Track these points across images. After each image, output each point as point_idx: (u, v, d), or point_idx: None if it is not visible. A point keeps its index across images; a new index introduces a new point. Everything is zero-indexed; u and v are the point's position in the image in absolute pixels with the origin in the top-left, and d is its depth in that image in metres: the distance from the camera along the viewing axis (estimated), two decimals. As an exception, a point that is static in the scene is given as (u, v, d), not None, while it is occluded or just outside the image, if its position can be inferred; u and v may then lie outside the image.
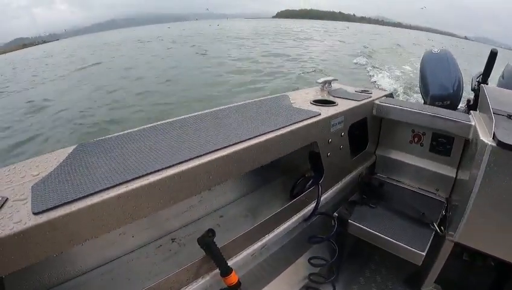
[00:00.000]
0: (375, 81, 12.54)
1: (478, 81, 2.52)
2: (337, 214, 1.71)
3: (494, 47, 2.45)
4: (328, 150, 1.59)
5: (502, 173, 1.24)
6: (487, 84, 2.44)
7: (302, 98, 1.81)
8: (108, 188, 0.83)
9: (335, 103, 1.74)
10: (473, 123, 1.60)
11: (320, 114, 1.52)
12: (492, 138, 1.26)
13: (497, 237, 1.36)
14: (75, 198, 0.78)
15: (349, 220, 1.67)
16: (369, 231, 1.62)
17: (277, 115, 1.47)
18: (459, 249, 1.58)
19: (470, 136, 1.61)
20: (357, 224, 1.65)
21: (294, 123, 1.37)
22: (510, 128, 1.34)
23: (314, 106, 1.68)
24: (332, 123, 1.57)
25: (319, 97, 1.85)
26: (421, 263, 1.49)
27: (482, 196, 1.31)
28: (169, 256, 1.31)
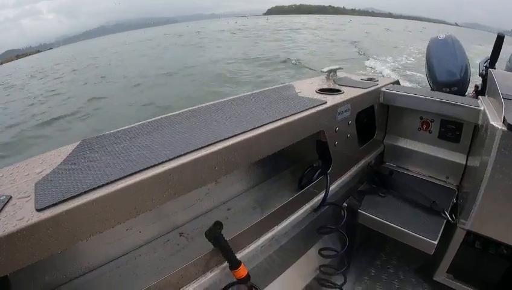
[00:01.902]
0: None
1: (485, 66, 2.48)
2: (346, 204, 1.68)
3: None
4: (335, 139, 1.56)
5: None
6: (495, 68, 2.40)
7: (308, 87, 1.78)
8: (111, 182, 0.81)
9: (341, 91, 1.70)
10: (482, 108, 1.56)
11: (326, 102, 1.49)
12: (503, 122, 1.24)
13: (509, 223, 1.34)
14: (78, 193, 0.76)
15: (359, 210, 1.65)
16: (380, 221, 1.59)
17: (283, 104, 1.44)
18: (471, 238, 1.55)
19: (480, 122, 1.58)
20: (367, 214, 1.63)
21: (301, 112, 1.34)
22: None
23: (320, 94, 1.65)
24: (339, 111, 1.54)
25: (325, 86, 1.82)
26: (432, 252, 1.47)
27: (493, 182, 1.28)
28: (177, 251, 1.29)
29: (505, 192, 1.28)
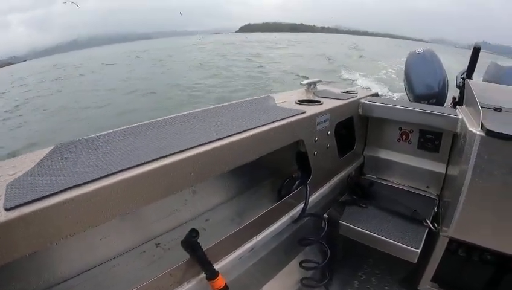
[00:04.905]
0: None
1: (463, 78, 2.53)
2: (327, 215, 1.67)
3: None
4: (314, 149, 1.56)
5: (493, 163, 1.24)
6: (472, 79, 2.46)
7: (287, 99, 1.79)
8: (83, 184, 0.79)
9: (320, 102, 1.72)
10: (460, 117, 1.60)
11: (305, 112, 1.49)
12: (481, 128, 1.26)
13: (491, 228, 1.35)
14: (49, 193, 0.74)
15: (339, 221, 1.64)
16: (361, 231, 1.59)
17: (261, 113, 1.44)
18: (454, 245, 1.55)
19: (458, 130, 1.60)
20: (348, 224, 1.62)
21: (279, 120, 1.34)
22: (498, 119, 1.35)
23: (299, 105, 1.66)
24: (318, 121, 1.54)
25: (304, 98, 1.84)
26: (416, 260, 1.46)
27: (473, 188, 1.30)
28: (153, 261, 1.26)
29: (485, 197, 1.30)
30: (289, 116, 1.40)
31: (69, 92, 18.87)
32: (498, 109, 1.46)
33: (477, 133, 1.25)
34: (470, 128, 1.30)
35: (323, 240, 1.52)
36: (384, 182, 2.05)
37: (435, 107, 1.90)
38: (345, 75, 17.99)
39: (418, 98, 2.63)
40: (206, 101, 13.31)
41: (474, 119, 1.43)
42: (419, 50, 2.83)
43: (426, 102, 2.57)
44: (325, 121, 1.59)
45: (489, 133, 1.21)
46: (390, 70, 18.40)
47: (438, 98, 2.60)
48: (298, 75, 17.26)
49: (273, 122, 1.31)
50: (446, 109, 1.85)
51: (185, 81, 18.34)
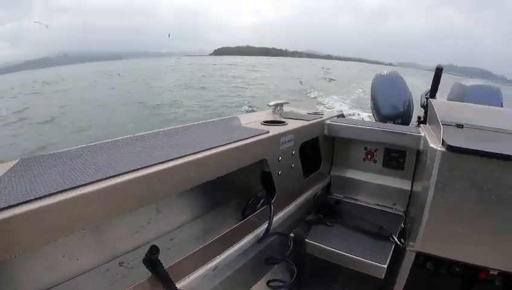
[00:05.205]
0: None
1: (427, 98, 2.63)
2: (293, 234, 1.68)
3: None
4: (279, 169, 1.58)
5: (454, 177, 1.29)
6: (435, 98, 2.56)
7: (253, 120, 1.81)
8: (44, 197, 0.78)
9: (285, 122, 1.75)
10: (422, 134, 1.66)
11: (268, 132, 1.51)
12: (442, 144, 1.31)
13: (457, 240, 1.38)
14: (9, 205, 0.73)
15: (306, 240, 1.65)
16: (328, 249, 1.60)
17: (225, 133, 1.45)
18: (423, 259, 1.59)
19: (421, 147, 1.67)
20: (315, 243, 1.63)
21: (242, 139, 1.35)
22: (458, 135, 1.41)
23: (263, 125, 1.69)
24: (282, 141, 1.57)
25: (271, 118, 1.87)
26: (383, 276, 1.48)
27: (437, 202, 1.34)
28: (116, 280, 1.24)
29: (448, 211, 1.34)
30: (252, 136, 1.41)
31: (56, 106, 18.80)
32: (460, 126, 1.53)
33: (438, 149, 1.30)
34: (431, 145, 1.35)
35: (289, 258, 1.52)
36: (351, 201, 2.09)
37: (398, 126, 1.97)
38: (319, 97, 19.09)
39: (384, 118, 2.72)
40: (200, 117, 13.72)
41: (436, 136, 1.48)
42: (384, 72, 2.94)
43: (392, 122, 2.65)
44: (289, 141, 1.62)
45: (449, 148, 1.26)
46: (366, 89, 19.24)
47: (404, 118, 2.69)
48: (276, 96, 18.00)
49: (236, 141, 1.32)
50: (409, 128, 1.91)
51: (171, 97, 19.38)
